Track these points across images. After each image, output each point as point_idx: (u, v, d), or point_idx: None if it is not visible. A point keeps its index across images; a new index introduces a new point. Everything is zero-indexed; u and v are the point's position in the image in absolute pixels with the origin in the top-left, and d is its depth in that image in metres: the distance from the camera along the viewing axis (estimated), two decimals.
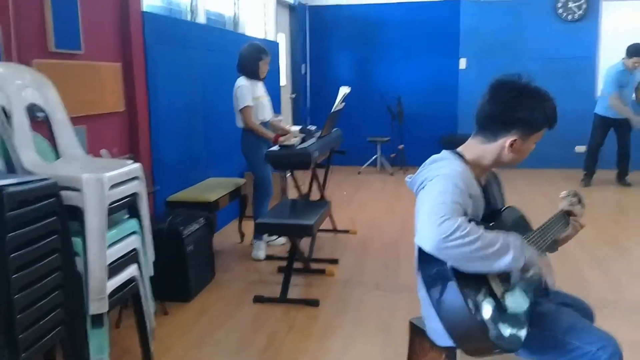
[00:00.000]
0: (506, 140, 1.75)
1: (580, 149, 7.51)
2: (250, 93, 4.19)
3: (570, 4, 7.73)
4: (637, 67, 6.31)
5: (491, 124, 1.77)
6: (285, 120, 7.20)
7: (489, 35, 7.97)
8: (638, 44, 6.31)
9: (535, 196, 6.10)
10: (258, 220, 3.59)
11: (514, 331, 1.64)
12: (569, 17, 7.77)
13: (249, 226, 4.43)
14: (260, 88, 4.37)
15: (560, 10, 7.77)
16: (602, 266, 4.09)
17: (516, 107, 1.72)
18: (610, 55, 7.24)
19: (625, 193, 6.55)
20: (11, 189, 1.80)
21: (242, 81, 4.22)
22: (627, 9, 7.67)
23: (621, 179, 6.78)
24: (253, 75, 4.27)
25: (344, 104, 4.53)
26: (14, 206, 1.81)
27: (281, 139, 4.15)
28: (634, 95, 6.66)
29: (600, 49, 7.78)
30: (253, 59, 4.27)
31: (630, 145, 6.63)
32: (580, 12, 7.73)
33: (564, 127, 6.69)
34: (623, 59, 6.35)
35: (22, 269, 1.85)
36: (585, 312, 1.97)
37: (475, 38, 8.03)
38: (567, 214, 2.04)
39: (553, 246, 1.98)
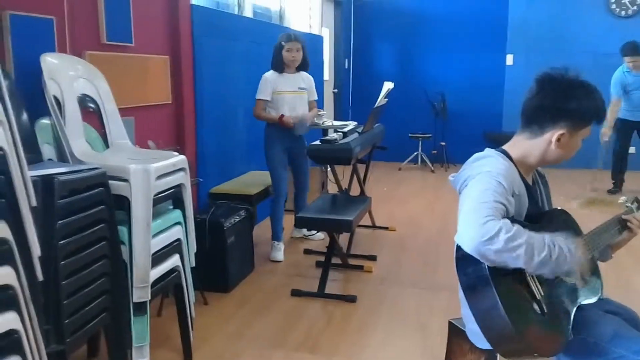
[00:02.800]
0: (553, 134, 1.71)
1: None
2: (269, 86, 4.02)
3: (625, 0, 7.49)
4: (631, 67, 5.92)
5: (539, 116, 1.72)
6: (327, 115, 7.20)
7: (538, 30, 7.78)
8: (630, 42, 5.90)
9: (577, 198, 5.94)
10: (299, 214, 3.60)
11: (553, 335, 1.60)
12: (622, 12, 7.53)
13: (288, 220, 4.46)
14: (288, 82, 4.09)
15: (614, 6, 7.53)
16: None
17: (565, 98, 1.68)
18: None
19: None
20: (62, 177, 1.86)
21: (266, 74, 4.08)
22: None
23: None
24: (278, 66, 4.06)
25: (387, 99, 4.51)
26: (64, 194, 1.88)
27: (285, 117, 3.99)
28: None
29: None
30: (276, 48, 4.06)
31: None
32: (634, 7, 7.48)
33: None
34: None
35: (70, 256, 1.91)
36: (634, 322, 1.90)
37: (523, 33, 7.85)
38: (623, 220, 1.96)
39: (606, 252, 1.92)
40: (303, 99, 4.18)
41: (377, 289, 3.65)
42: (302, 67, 4.15)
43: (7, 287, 1.55)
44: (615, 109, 6.03)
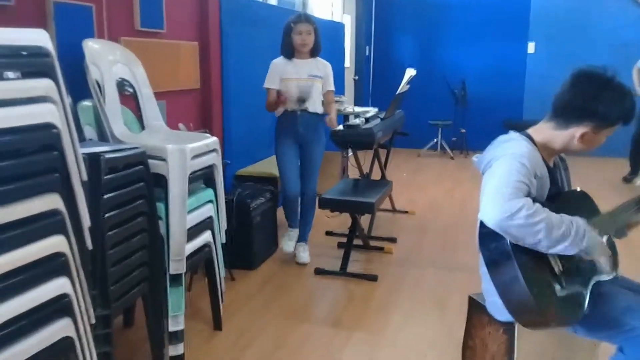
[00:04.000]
0: (577, 131, 1.78)
1: None
2: (277, 73, 3.62)
3: None
4: None
5: (566, 112, 1.80)
6: (348, 101, 7.28)
7: (560, 18, 7.75)
8: None
9: (601, 186, 5.97)
10: (322, 195, 3.71)
11: (571, 308, 1.70)
12: None
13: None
14: (298, 69, 3.64)
15: None
16: None
17: (596, 99, 1.73)
18: None
19: None
20: (107, 155, 1.99)
21: (274, 60, 3.69)
22: None
23: None
24: (287, 51, 3.64)
25: (408, 86, 4.58)
26: (108, 171, 2.01)
27: (282, 95, 3.55)
28: None
29: None
30: (284, 31, 3.64)
31: None
32: None
33: None
34: None
35: (114, 228, 2.05)
36: None
37: (545, 21, 7.83)
38: None
39: (623, 231, 2.00)
40: (316, 88, 3.67)
41: (397, 270, 3.76)
42: (315, 52, 3.69)
43: (59, 255, 1.68)
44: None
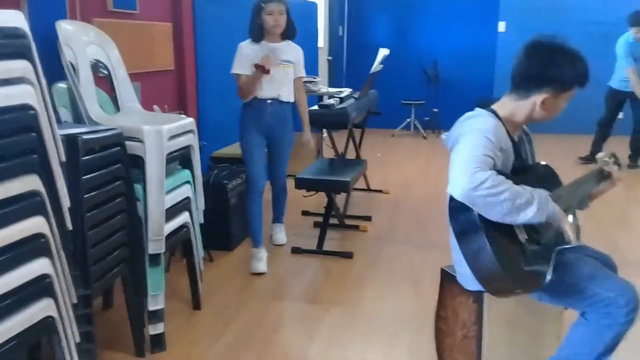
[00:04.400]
0: (538, 98, 1.87)
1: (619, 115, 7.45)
2: (245, 58, 3.26)
3: None
4: (638, 37, 5.78)
5: (525, 82, 1.89)
6: (322, 82, 7.30)
7: None
8: (638, 11, 5.77)
9: (567, 160, 6.14)
10: (298, 176, 3.76)
11: (535, 275, 1.79)
12: None
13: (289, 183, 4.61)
14: (266, 52, 3.25)
15: None
16: (633, 229, 4.18)
17: (549, 65, 1.83)
18: None
19: None
20: (85, 136, 2.00)
21: (241, 44, 3.34)
22: None
23: (632, 161, 6.16)
24: (256, 33, 3.29)
25: (382, 65, 4.63)
26: (86, 152, 2.03)
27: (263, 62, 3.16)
28: None
29: None
30: (253, 11, 3.30)
31: None
32: None
33: (600, 92, 6.55)
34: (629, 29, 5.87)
35: (93, 209, 2.07)
36: (609, 266, 2.09)
37: (515, 1, 7.93)
38: (602, 173, 2.13)
39: (584, 202, 2.10)
40: (287, 73, 3.37)
41: (373, 247, 3.84)
42: (288, 35, 3.36)
43: (40, 236, 1.71)
44: (635, 75, 5.86)
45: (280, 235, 3.88)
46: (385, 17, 8.73)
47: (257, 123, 3.38)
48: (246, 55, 3.28)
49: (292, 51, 3.40)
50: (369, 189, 5.14)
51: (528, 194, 1.71)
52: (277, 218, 3.87)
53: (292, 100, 3.46)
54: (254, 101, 3.35)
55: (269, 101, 3.35)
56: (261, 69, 3.15)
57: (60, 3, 2.61)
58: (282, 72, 3.34)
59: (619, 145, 5.27)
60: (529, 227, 1.81)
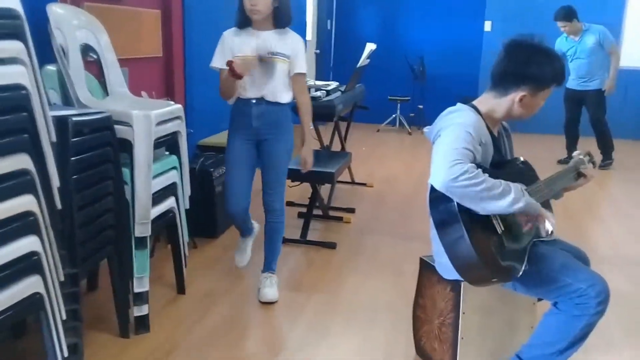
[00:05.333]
0: (516, 95, 1.94)
1: None
2: (227, 49, 2.77)
3: None
4: (565, 32, 5.89)
5: (504, 79, 1.96)
6: (309, 75, 7.34)
7: None
8: (563, 6, 5.82)
9: (548, 161, 6.25)
10: None
11: (510, 265, 1.86)
12: None
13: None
14: (254, 43, 2.75)
15: None
16: (606, 226, 4.31)
17: (527, 63, 1.91)
18: (636, 24, 7.24)
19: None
20: (75, 118, 2.03)
21: (225, 32, 2.85)
22: None
23: (602, 161, 6.06)
24: (240, 19, 2.78)
25: (368, 60, 4.68)
26: (76, 134, 2.05)
27: (236, 61, 2.62)
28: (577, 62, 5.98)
29: (626, 16, 7.76)
30: None
31: (606, 120, 6.05)
32: None
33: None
34: None
35: (81, 190, 2.10)
36: (581, 259, 2.17)
37: (502, 0, 8.03)
38: (577, 170, 2.22)
39: (559, 194, 2.18)
40: (279, 69, 2.77)
41: (356, 238, 3.90)
42: (281, 21, 2.78)
43: (29, 214, 1.74)
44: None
45: (270, 290, 2.91)
46: (373, 12, 8.79)
47: (243, 129, 2.85)
48: (228, 46, 2.77)
49: (286, 42, 2.78)
50: (353, 182, 5.20)
51: (504, 185, 1.78)
52: (268, 265, 2.99)
53: (285, 100, 2.84)
54: (239, 102, 2.84)
55: (253, 101, 2.80)
56: (231, 72, 2.60)
57: None
58: (267, 67, 2.75)
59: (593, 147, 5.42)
60: (505, 218, 1.88)
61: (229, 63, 2.59)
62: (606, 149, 6.17)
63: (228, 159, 2.92)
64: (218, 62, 2.81)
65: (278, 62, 2.77)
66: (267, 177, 2.92)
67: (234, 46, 2.77)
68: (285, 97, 2.85)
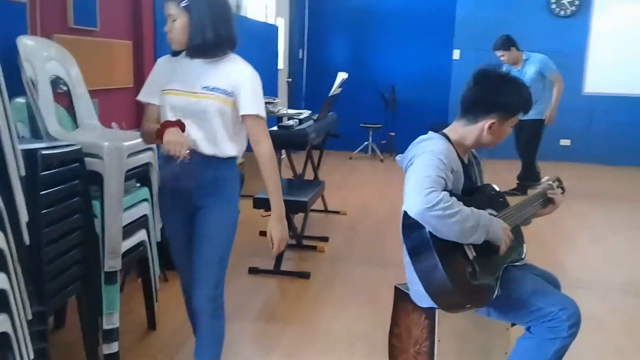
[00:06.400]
0: (485, 123, 1.99)
1: (565, 142, 7.80)
2: (156, 82, 2.17)
3: (564, 0, 7.96)
4: (505, 61, 5.77)
5: (474, 107, 2.01)
6: (282, 103, 7.38)
7: (484, 27, 8.15)
8: (502, 35, 5.83)
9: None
10: (256, 195, 3.79)
11: (483, 290, 1.88)
12: (562, 12, 8.01)
13: (246, 204, 4.62)
14: (186, 75, 2.07)
15: (554, 6, 8.01)
16: (578, 250, 4.38)
17: (497, 92, 1.98)
18: (599, 52, 7.50)
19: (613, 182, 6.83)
20: (44, 151, 2.00)
21: (160, 59, 2.25)
22: (619, 5, 7.89)
23: (518, 188, 5.82)
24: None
25: (340, 89, 4.74)
26: (45, 167, 2.02)
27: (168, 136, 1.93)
28: None
29: (590, 46, 8.03)
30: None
31: (533, 151, 5.98)
32: (573, 8, 7.97)
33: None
34: None
35: (50, 225, 2.06)
36: (553, 283, 2.20)
37: (469, 30, 8.23)
38: (546, 196, 2.26)
39: (528, 220, 2.22)
40: (213, 109, 2.05)
41: (330, 267, 3.89)
42: (208, 48, 2.03)
43: None
44: None
45: None
46: (344, 41, 8.93)
47: (172, 195, 2.18)
48: (157, 79, 2.17)
49: (229, 74, 2.07)
50: (326, 210, 5.20)
51: (473, 220, 1.81)
52: None
53: (228, 153, 2.13)
54: (163, 155, 2.04)
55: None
56: (158, 139, 1.97)
57: (21, 18, 2.61)
58: (198, 107, 2.05)
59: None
60: (476, 245, 1.90)
61: (160, 131, 1.95)
62: (527, 177, 5.93)
63: (165, 230, 2.34)
64: (146, 95, 2.20)
65: (212, 101, 2.05)
66: (199, 254, 2.14)
67: (162, 79, 2.13)
68: (229, 149, 2.12)
